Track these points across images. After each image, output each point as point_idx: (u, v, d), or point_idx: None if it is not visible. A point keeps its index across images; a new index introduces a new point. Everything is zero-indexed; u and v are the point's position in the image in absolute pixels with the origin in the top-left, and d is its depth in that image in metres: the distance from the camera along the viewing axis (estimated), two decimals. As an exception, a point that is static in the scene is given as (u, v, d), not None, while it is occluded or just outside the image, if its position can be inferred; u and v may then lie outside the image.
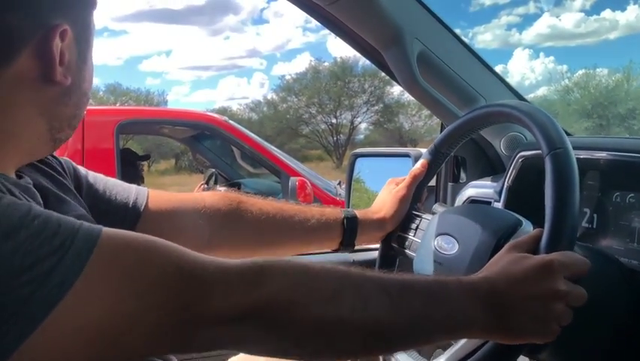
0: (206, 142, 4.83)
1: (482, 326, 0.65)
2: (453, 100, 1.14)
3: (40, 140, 0.67)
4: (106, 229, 0.53)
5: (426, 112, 27.34)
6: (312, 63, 29.26)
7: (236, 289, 0.54)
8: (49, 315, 0.47)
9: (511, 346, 0.68)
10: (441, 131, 1.32)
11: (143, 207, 0.88)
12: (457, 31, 1.17)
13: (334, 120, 27.08)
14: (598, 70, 23.36)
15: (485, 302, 0.65)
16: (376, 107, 27.23)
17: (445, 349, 0.84)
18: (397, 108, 27.05)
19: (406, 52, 1.06)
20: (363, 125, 28.06)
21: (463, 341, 0.78)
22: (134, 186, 0.91)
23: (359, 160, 1.58)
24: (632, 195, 0.87)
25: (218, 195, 0.97)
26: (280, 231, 0.98)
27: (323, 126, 27.29)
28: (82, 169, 0.87)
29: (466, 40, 1.18)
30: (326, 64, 28.70)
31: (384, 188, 1.08)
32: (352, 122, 27.22)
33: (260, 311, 0.54)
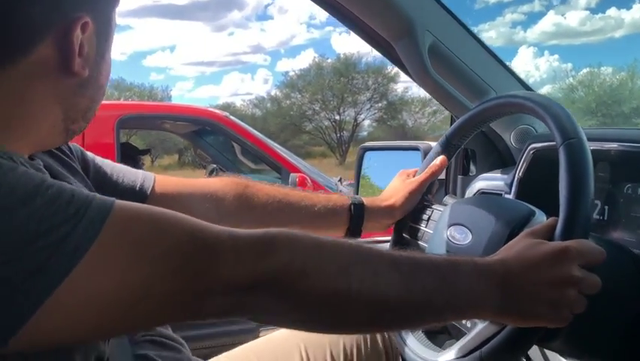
0: (208, 138, 4.83)
1: (494, 308, 0.66)
2: (463, 92, 1.14)
3: (55, 130, 0.67)
4: (118, 201, 0.54)
5: (429, 109, 27.41)
6: (316, 60, 29.33)
7: (248, 258, 0.55)
8: (63, 281, 0.48)
9: (524, 334, 0.69)
10: (451, 125, 1.33)
11: (149, 190, 0.90)
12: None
13: (337, 117, 27.15)
14: (602, 68, 23.37)
15: (499, 284, 0.65)
16: (380, 104, 27.28)
17: (457, 338, 0.85)
18: (401, 105, 27.09)
19: (417, 44, 1.06)
20: (366, 122, 28.16)
21: (475, 331, 0.79)
22: (140, 171, 0.93)
23: (367, 153, 1.58)
24: (643, 186, 0.87)
25: (226, 180, 0.99)
26: (287, 215, 0.98)
27: (326, 123, 27.37)
28: (89, 154, 0.88)
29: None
30: (329, 60, 28.77)
31: (395, 178, 1.09)
32: (356, 119, 27.27)
33: (271, 280, 0.55)
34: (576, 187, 0.70)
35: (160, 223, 0.54)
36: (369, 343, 1.04)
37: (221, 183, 0.98)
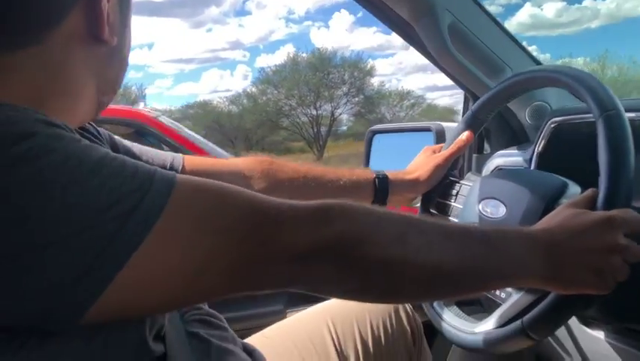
0: (149, 138, 4.78)
1: (540, 275, 0.66)
2: (481, 70, 1.16)
3: (91, 102, 0.66)
4: (179, 175, 0.53)
5: (407, 102, 27.58)
6: (291, 55, 29.22)
7: (308, 227, 0.55)
8: (134, 254, 0.47)
9: (568, 302, 0.69)
10: (464, 105, 1.35)
11: (180, 169, 0.90)
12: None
13: (314, 112, 27.08)
14: (575, 60, 23.84)
15: (544, 252, 0.66)
16: (357, 99, 27.31)
17: (490, 310, 0.86)
18: (378, 99, 27.17)
19: (438, 23, 1.07)
20: (344, 117, 28.15)
21: (511, 301, 0.79)
22: (168, 152, 0.94)
23: (376, 137, 1.58)
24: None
25: (250, 159, 1.00)
26: (313, 190, 0.99)
27: (304, 118, 27.29)
28: (116, 136, 0.88)
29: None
30: (304, 55, 28.68)
31: (420, 153, 1.10)
32: (332, 114, 27.24)
33: (329, 248, 0.55)
34: (617, 158, 0.71)
35: (222, 196, 0.54)
36: (394, 321, 1.05)
37: (247, 162, 0.99)
